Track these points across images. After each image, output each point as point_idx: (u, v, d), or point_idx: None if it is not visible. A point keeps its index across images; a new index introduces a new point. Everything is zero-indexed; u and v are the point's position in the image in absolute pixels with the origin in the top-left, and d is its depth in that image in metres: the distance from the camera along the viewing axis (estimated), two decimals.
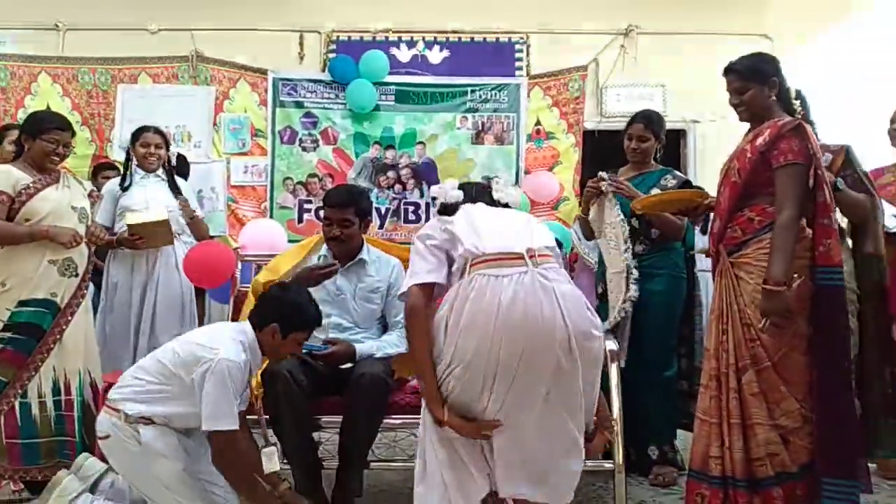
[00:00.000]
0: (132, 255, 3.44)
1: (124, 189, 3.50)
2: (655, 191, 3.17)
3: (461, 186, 2.21)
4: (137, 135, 3.57)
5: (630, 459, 2.91)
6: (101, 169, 4.37)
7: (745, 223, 2.42)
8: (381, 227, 5.00)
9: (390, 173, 5.04)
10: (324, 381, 2.58)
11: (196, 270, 3.21)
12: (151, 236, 3.33)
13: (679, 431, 3.17)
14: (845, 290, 2.42)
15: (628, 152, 3.31)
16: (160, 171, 3.61)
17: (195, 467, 2.29)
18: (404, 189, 5.05)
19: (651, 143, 3.26)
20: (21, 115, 4.36)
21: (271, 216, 4.92)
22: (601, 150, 5.03)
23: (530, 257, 1.85)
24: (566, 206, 5.04)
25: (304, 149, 5.00)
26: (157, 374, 2.25)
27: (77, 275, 2.92)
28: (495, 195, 2.20)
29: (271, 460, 2.32)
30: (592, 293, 3.51)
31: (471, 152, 5.07)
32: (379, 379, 2.50)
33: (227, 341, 2.25)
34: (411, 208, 5.05)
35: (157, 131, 3.60)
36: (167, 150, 3.63)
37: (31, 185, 2.84)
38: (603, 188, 3.10)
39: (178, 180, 3.67)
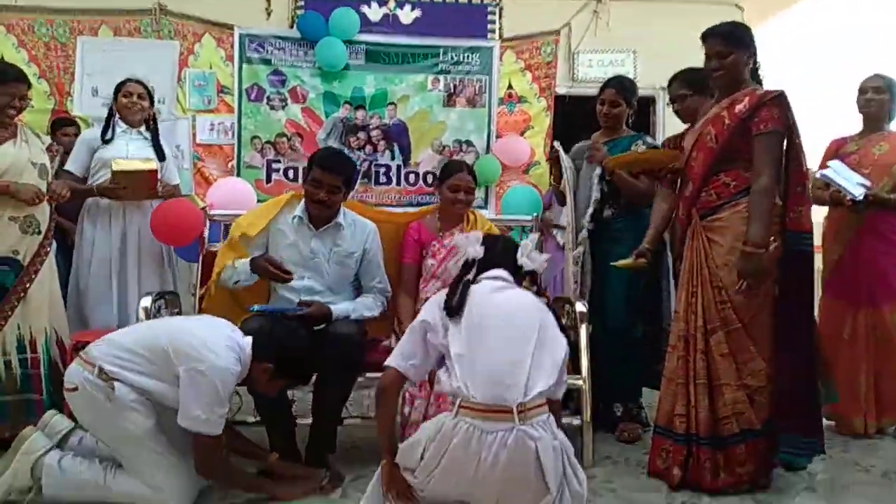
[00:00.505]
0: (109, 208, 3.33)
1: (105, 142, 3.37)
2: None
3: (485, 241, 2.14)
4: (120, 86, 3.45)
5: (597, 416, 2.98)
6: (59, 124, 4.22)
7: (721, 187, 2.47)
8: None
9: (361, 134, 4.98)
10: None
11: (163, 229, 3.15)
12: (136, 186, 3.22)
13: (644, 389, 3.24)
14: (813, 255, 2.49)
15: (600, 117, 3.33)
16: (143, 129, 3.49)
17: (165, 426, 2.26)
18: (375, 150, 4.99)
19: (623, 108, 3.28)
20: None
21: (238, 175, 4.83)
22: (572, 115, 5.07)
23: (519, 412, 1.78)
24: (537, 170, 5.06)
25: (272, 107, 4.90)
26: (146, 351, 2.20)
27: (39, 232, 2.85)
28: (520, 260, 2.12)
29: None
30: (560, 265, 3.58)
31: (442, 115, 5.03)
32: (353, 338, 2.50)
33: (225, 349, 2.20)
34: (382, 170, 5.00)
35: (140, 83, 3.47)
36: (151, 104, 3.51)
37: None
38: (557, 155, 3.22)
39: (162, 142, 3.55)
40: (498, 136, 5.05)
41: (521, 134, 5.08)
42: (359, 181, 4.93)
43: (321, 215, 2.72)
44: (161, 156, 3.46)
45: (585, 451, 2.65)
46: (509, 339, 1.90)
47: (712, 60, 2.52)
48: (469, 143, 5.05)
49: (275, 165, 4.93)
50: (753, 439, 2.44)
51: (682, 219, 2.57)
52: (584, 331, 2.77)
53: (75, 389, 2.19)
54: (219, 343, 2.19)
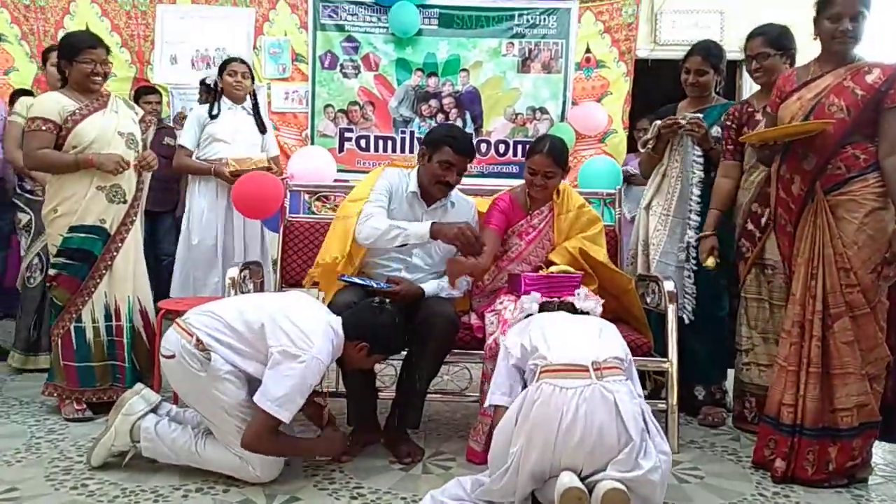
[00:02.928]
0: (217, 183, 3.53)
1: (212, 117, 3.56)
2: (717, 128, 3.04)
3: (543, 307, 2.42)
4: (225, 65, 3.62)
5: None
6: (141, 93, 4.31)
7: (851, 160, 2.32)
8: None
9: (432, 102, 4.91)
10: None
11: (246, 202, 3.16)
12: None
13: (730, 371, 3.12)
14: None
15: (686, 86, 3.15)
16: (247, 104, 3.67)
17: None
18: (447, 118, 4.91)
19: (710, 76, 3.09)
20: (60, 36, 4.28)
21: (312, 144, 4.84)
22: (654, 80, 4.86)
23: (595, 370, 1.97)
24: (614, 138, 4.89)
25: (345, 75, 4.87)
26: (245, 329, 2.20)
27: (125, 201, 2.90)
28: (577, 304, 2.40)
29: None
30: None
31: (516, 81, 4.90)
32: (450, 319, 2.48)
33: (323, 338, 2.18)
34: None
35: (243, 62, 3.65)
36: (252, 81, 3.68)
37: (77, 111, 2.80)
38: (682, 125, 2.97)
39: (264, 117, 3.74)
40: (574, 104, 4.89)
41: (599, 100, 4.91)
42: None
43: (437, 196, 2.67)
44: (262, 128, 3.67)
45: (671, 436, 2.55)
46: (578, 329, 2.20)
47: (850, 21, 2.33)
48: (543, 110, 4.91)
49: (347, 134, 4.92)
50: (869, 431, 2.32)
51: (800, 195, 2.41)
52: (671, 311, 2.65)
53: (172, 357, 2.22)
54: (317, 332, 2.18)
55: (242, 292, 2.74)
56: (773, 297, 2.79)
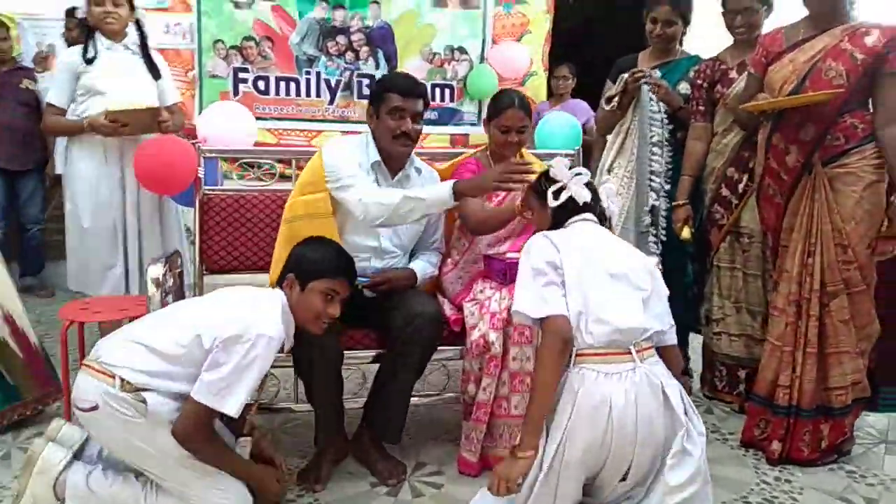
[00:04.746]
0: (103, 143, 2.77)
1: (88, 62, 2.76)
2: (684, 84, 2.85)
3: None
4: None
5: None
6: None
7: (849, 130, 2.19)
8: (331, 102, 4.40)
9: (340, 38, 4.36)
10: (352, 313, 2.21)
11: (151, 174, 2.57)
12: (136, 123, 2.72)
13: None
14: None
15: (651, 38, 2.91)
16: (131, 40, 2.87)
17: None
18: (357, 58, 4.40)
19: (678, 27, 2.87)
20: None
21: (201, 87, 4.18)
22: (575, 18, 4.60)
23: (637, 352, 1.75)
24: (535, 81, 4.62)
25: (236, 5, 4.18)
26: (177, 347, 1.77)
27: None
28: (604, 202, 2.05)
29: (244, 452, 1.95)
30: None
31: (432, 16, 4.44)
32: (435, 319, 2.16)
33: (265, 312, 1.81)
34: (365, 81, 4.42)
35: None
36: (132, 9, 2.85)
37: None
38: (644, 82, 2.71)
39: (155, 56, 2.94)
40: (493, 43, 4.54)
41: (518, 39, 4.58)
42: (339, 94, 4.42)
43: (401, 157, 2.31)
44: (156, 73, 2.91)
45: None
46: (622, 290, 1.81)
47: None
48: (462, 49, 4.52)
49: (242, 75, 4.28)
50: (859, 407, 2.32)
51: (796, 166, 2.26)
52: None
53: (95, 408, 1.74)
54: (257, 307, 1.81)
55: (166, 293, 2.25)
56: (747, 267, 2.70)
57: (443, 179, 2.51)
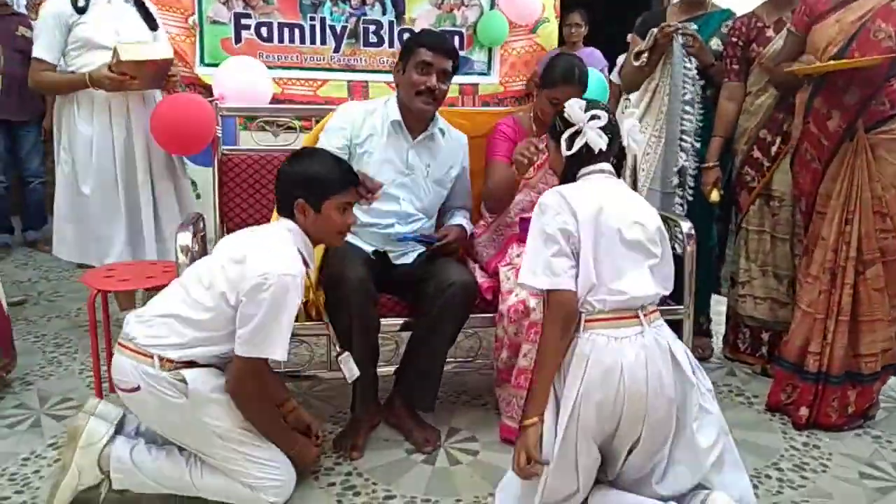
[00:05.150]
0: (107, 100, 2.61)
1: (79, 11, 2.58)
2: (716, 40, 2.76)
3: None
4: None
5: None
6: None
7: (895, 95, 2.13)
8: (336, 50, 4.24)
9: None
10: (385, 281, 2.18)
11: (169, 134, 2.46)
12: (144, 77, 2.56)
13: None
14: None
15: None
16: None
17: None
18: (363, 3, 4.21)
19: None
20: None
21: (202, 33, 4.00)
22: None
23: (644, 316, 1.72)
24: (546, 28, 4.46)
25: None
26: (206, 315, 1.73)
27: None
28: (625, 141, 1.88)
29: (349, 367, 1.96)
30: None
31: None
32: (469, 287, 2.12)
33: (278, 250, 1.75)
34: (371, 28, 4.25)
35: None
36: None
37: None
38: (680, 34, 2.62)
39: (148, 5, 2.77)
40: None
41: None
42: (345, 42, 4.26)
43: (422, 115, 2.24)
44: (153, 24, 2.76)
45: None
46: (635, 258, 1.75)
47: None
48: None
49: (244, 21, 4.08)
50: (887, 373, 2.34)
51: (837, 131, 2.21)
52: (689, 254, 2.44)
53: (137, 389, 1.71)
54: (269, 248, 1.76)
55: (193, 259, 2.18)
56: (776, 230, 2.67)
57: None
